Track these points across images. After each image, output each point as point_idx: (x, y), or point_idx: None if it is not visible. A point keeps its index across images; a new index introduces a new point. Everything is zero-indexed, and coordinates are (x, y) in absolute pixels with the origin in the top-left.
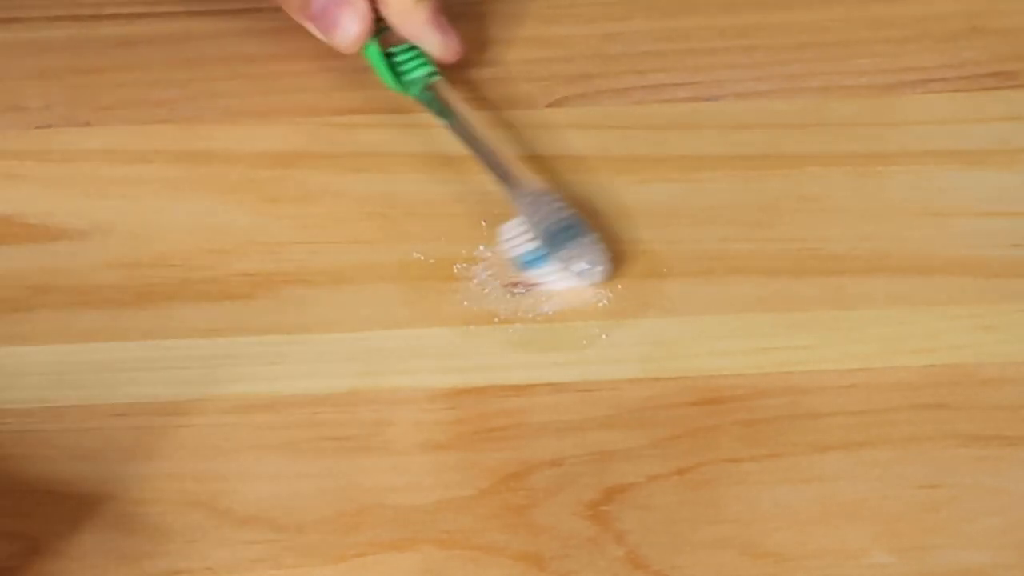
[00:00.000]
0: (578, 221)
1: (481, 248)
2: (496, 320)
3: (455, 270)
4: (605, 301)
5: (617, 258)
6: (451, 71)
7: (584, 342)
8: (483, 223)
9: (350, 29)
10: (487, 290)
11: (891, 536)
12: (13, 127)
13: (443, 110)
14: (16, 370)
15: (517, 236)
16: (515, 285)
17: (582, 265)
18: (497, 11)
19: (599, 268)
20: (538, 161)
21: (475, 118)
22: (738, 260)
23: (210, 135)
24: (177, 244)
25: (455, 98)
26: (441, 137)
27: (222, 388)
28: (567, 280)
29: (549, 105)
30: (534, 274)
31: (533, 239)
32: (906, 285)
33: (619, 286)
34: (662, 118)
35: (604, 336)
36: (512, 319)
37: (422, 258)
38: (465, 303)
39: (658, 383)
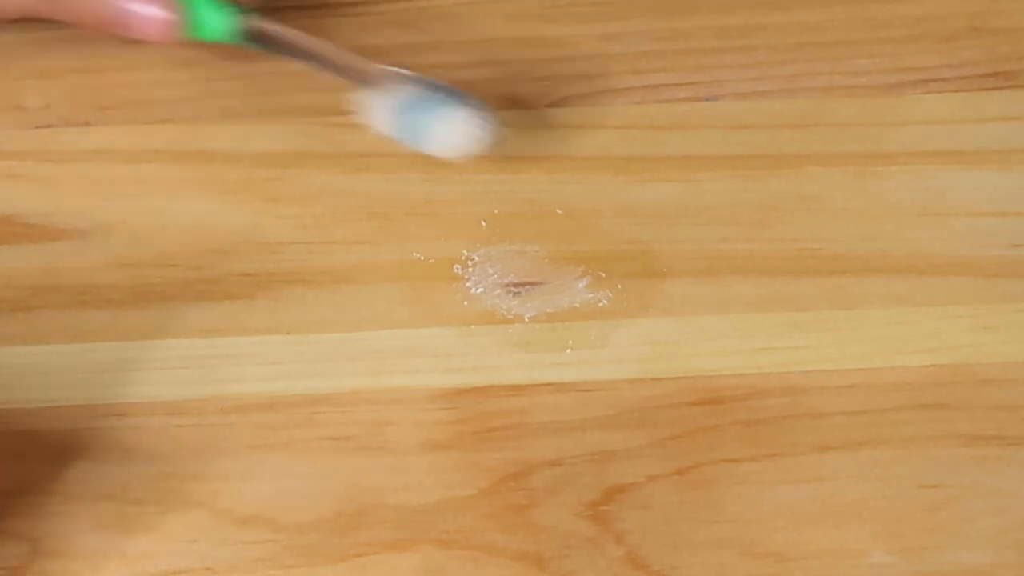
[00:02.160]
0: (458, 91)
1: (481, 248)
2: (496, 320)
3: (455, 270)
4: (605, 301)
5: (615, 257)
6: (449, 71)
7: (584, 342)
8: (483, 223)
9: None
10: (487, 290)
11: (891, 536)
12: (13, 127)
13: (272, 43)
14: (17, 370)
15: (387, 100)
16: (515, 285)
17: (461, 123)
18: (496, 10)
19: (481, 124)
20: (538, 161)
21: (301, 34)
22: (738, 260)
23: (210, 135)
24: (177, 244)
25: (276, 25)
26: None
27: (222, 388)
28: (446, 138)
29: (549, 105)
30: (408, 127)
31: (411, 99)
32: (906, 285)
33: (619, 286)
34: (662, 118)
35: (604, 336)
36: (512, 319)
37: (422, 258)
38: (465, 303)
39: (658, 383)
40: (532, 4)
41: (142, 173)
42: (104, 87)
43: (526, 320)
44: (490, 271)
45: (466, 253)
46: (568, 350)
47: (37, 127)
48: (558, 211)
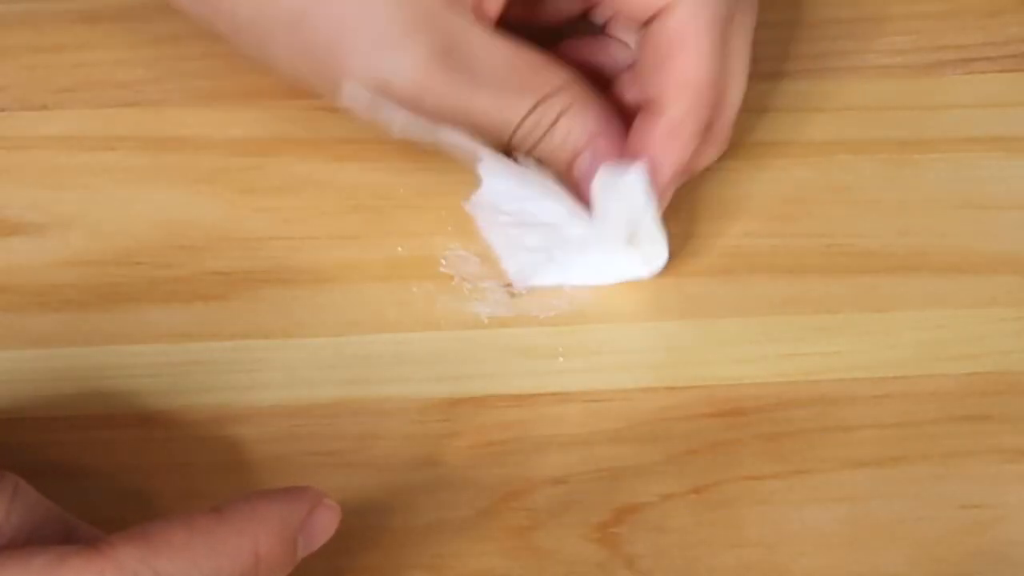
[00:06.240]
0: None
1: (478, 243)
2: (494, 323)
3: (449, 268)
4: (614, 302)
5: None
6: None
7: (592, 347)
8: None
9: None
10: (484, 290)
11: (930, 561)
12: None
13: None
14: None
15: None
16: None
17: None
18: None
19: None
20: None
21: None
22: (761, 257)
23: (180, 120)
24: (144, 240)
25: None
26: None
27: (193, 399)
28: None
29: None
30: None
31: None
32: (946, 285)
33: (629, 285)
34: None
35: (613, 341)
36: (512, 322)
37: (413, 255)
38: (460, 304)
39: (673, 393)
40: None
41: (104, 162)
42: (63, 67)
43: (527, 323)
44: (488, 268)
45: (461, 249)
46: (574, 356)
47: None
48: None
